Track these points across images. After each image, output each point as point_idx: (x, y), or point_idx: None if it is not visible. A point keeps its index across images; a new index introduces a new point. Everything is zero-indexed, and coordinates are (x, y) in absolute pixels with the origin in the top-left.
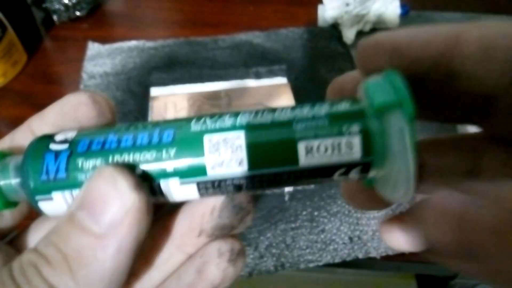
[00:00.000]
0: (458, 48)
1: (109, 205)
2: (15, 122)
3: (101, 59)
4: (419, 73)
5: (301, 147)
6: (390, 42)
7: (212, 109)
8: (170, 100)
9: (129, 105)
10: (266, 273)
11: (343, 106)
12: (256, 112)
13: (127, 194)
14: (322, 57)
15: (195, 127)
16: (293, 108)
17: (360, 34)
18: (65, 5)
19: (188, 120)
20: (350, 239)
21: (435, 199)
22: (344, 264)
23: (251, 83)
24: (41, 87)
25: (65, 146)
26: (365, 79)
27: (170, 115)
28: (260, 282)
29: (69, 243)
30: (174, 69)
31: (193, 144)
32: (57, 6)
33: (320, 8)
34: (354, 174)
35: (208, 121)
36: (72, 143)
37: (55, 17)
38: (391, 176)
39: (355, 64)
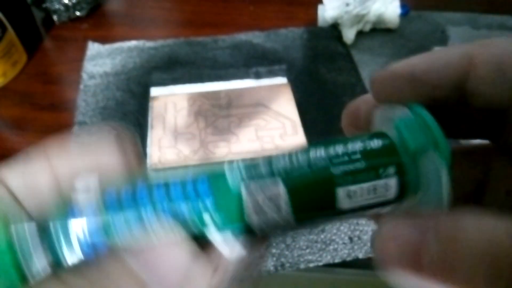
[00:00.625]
0: (473, 71)
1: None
2: (15, 122)
3: (101, 59)
4: (439, 98)
5: (340, 193)
6: (408, 72)
7: (212, 109)
8: (170, 100)
9: (129, 105)
10: (266, 273)
11: (376, 144)
12: (290, 156)
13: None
14: (322, 57)
15: (230, 176)
16: (326, 147)
17: (360, 34)
18: (65, 5)
19: (220, 166)
20: (350, 239)
21: (384, 228)
22: (344, 264)
23: (251, 83)
24: (41, 87)
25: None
26: (383, 107)
27: (170, 115)
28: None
29: None
30: (174, 69)
31: (230, 194)
32: (57, 6)
33: (320, 8)
34: (386, 210)
35: (242, 168)
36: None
37: (55, 17)
38: (421, 205)
39: (355, 64)
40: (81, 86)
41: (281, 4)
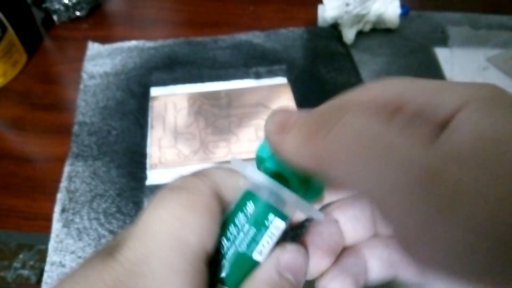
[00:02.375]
0: None
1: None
2: (15, 122)
3: (101, 59)
4: None
5: (255, 256)
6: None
7: (212, 109)
8: (170, 100)
9: (129, 105)
10: None
11: (251, 209)
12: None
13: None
14: (322, 57)
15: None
16: (226, 233)
17: (360, 34)
18: (65, 5)
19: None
20: None
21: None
22: None
23: (251, 83)
24: (41, 87)
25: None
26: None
27: (170, 115)
28: None
29: None
30: (174, 69)
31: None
32: (57, 6)
33: (320, 8)
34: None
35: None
36: None
37: (55, 17)
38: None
39: (355, 64)
40: (81, 86)
41: (281, 4)
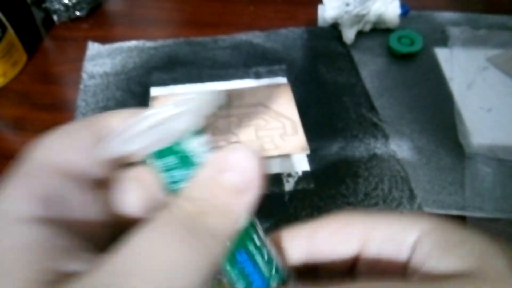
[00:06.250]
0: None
1: (249, 168)
2: (15, 122)
3: (101, 59)
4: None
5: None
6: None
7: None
8: (170, 100)
9: (129, 105)
10: None
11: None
12: None
13: (260, 164)
14: (322, 57)
15: None
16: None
17: (360, 34)
18: (65, 5)
19: None
20: None
21: None
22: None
23: (251, 83)
24: (41, 87)
25: None
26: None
27: None
28: None
29: (222, 197)
30: (174, 69)
31: None
32: (57, 6)
33: (320, 8)
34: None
35: None
36: None
37: (55, 17)
38: None
39: (355, 64)
40: (81, 86)
41: (281, 4)
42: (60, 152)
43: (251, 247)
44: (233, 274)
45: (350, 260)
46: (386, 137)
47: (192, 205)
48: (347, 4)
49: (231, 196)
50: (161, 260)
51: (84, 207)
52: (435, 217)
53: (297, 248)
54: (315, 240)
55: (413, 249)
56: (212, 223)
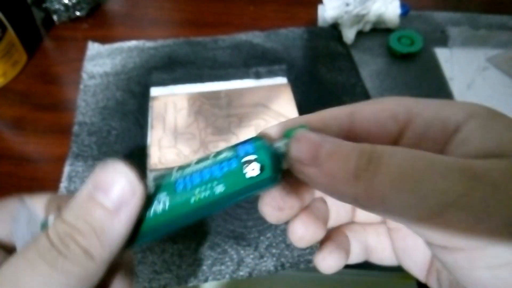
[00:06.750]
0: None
1: (121, 187)
2: (15, 122)
3: (101, 59)
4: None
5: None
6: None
7: (212, 109)
8: (170, 100)
9: (129, 105)
10: (266, 273)
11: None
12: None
13: (135, 181)
14: (322, 57)
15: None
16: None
17: (360, 34)
18: (65, 5)
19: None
20: None
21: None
22: (344, 264)
23: (251, 83)
24: (41, 87)
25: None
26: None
27: (170, 115)
28: (260, 282)
29: (93, 217)
30: (174, 69)
31: None
32: (57, 6)
33: (320, 8)
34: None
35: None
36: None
37: (55, 17)
38: None
39: (355, 64)
40: (81, 86)
41: (281, 4)
42: None
43: (181, 173)
44: (198, 190)
45: (393, 137)
46: None
47: (64, 226)
48: (347, 4)
49: (106, 215)
50: (20, 286)
51: None
52: (484, 106)
53: (337, 127)
54: (359, 116)
55: (457, 129)
56: (83, 243)
